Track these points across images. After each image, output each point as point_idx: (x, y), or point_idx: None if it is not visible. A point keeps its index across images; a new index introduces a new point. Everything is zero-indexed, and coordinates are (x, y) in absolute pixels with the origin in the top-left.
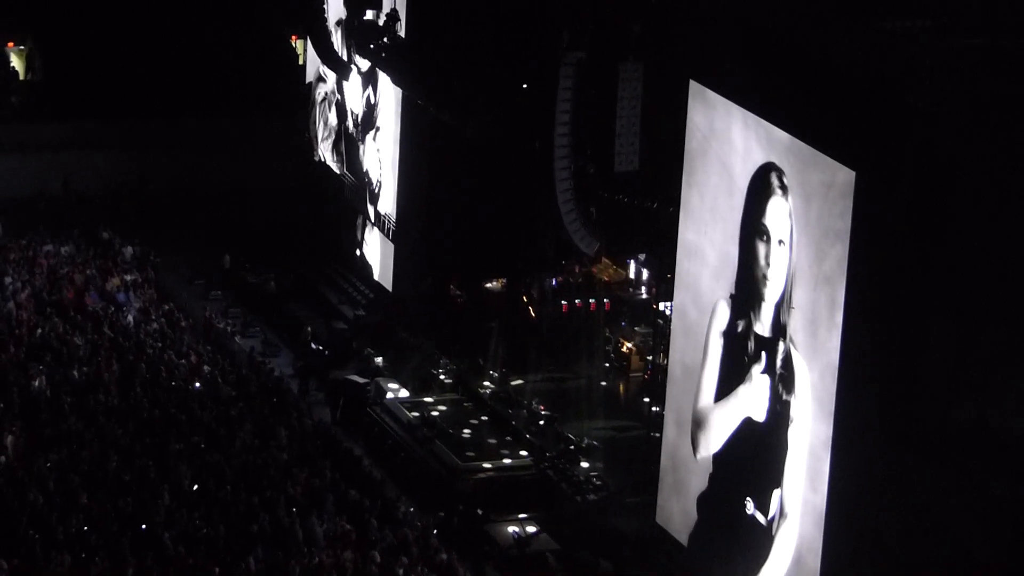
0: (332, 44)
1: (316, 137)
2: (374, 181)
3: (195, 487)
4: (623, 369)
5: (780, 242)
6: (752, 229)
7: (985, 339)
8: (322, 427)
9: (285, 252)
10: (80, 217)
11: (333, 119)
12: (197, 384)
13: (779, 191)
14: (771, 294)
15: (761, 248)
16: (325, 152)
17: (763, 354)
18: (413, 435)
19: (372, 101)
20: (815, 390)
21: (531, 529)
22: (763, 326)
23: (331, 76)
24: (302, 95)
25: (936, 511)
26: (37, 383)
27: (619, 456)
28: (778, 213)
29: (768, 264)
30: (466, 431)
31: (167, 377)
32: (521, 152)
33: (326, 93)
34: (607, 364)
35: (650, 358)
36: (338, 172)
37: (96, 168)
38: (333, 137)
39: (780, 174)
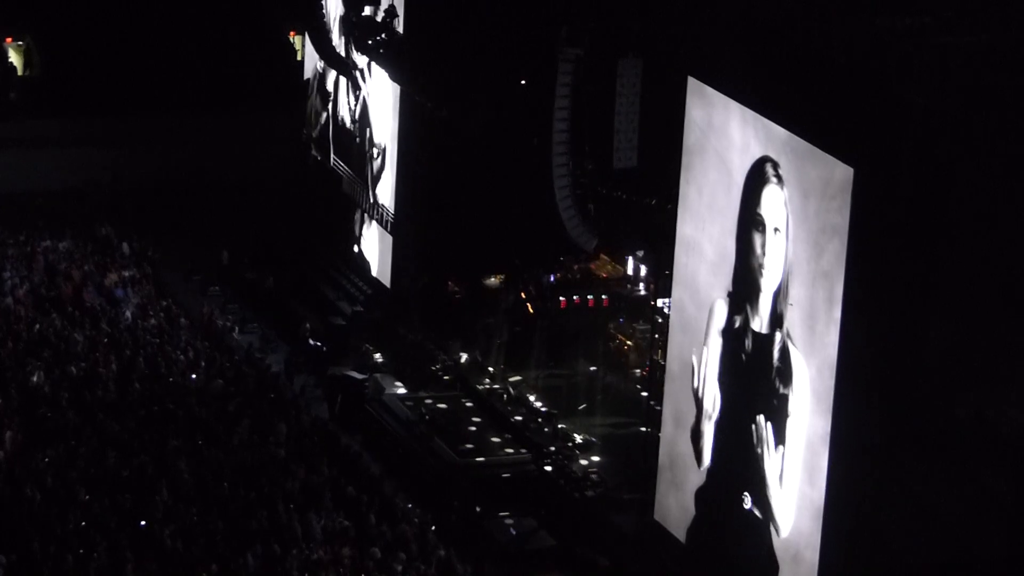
0: (330, 40)
1: (314, 134)
2: (372, 177)
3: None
4: (621, 365)
5: (776, 230)
6: (748, 219)
7: (983, 334)
8: (320, 423)
9: (283, 248)
10: (80, 213)
11: (331, 116)
12: (192, 376)
13: (774, 179)
14: (768, 285)
15: (757, 238)
16: (323, 149)
17: (760, 350)
18: (411, 431)
19: (370, 97)
20: (813, 385)
21: (529, 525)
22: (760, 321)
23: (329, 73)
24: (300, 91)
25: (934, 506)
26: (35, 379)
27: (617, 452)
28: (773, 201)
29: (764, 253)
30: (464, 427)
31: (165, 373)
32: (519, 148)
33: (324, 90)
34: (605, 360)
35: (649, 354)
36: (336, 169)
37: (94, 164)
38: (331, 134)
39: (775, 164)
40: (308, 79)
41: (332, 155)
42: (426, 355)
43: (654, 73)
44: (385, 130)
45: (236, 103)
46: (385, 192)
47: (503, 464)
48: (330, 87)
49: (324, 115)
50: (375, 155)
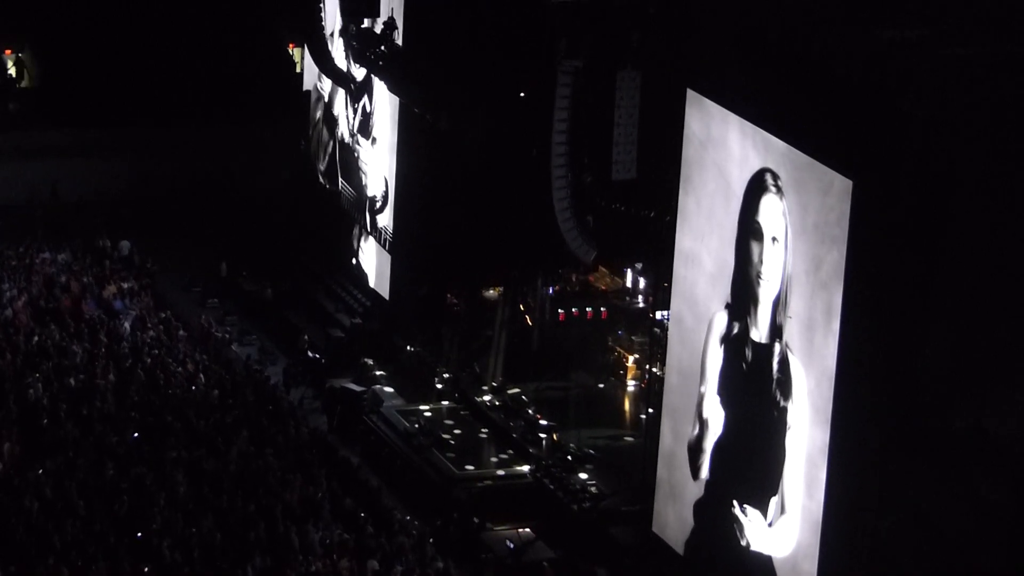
0: (329, 53)
1: (315, 151)
2: (371, 193)
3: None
4: (620, 378)
5: (774, 239)
6: (746, 229)
7: (982, 345)
8: (318, 435)
9: (282, 260)
10: (78, 225)
11: (331, 132)
12: (192, 388)
13: (773, 189)
14: (766, 295)
15: (755, 247)
16: (323, 165)
17: (760, 360)
18: (410, 443)
19: (368, 111)
20: (812, 396)
21: (527, 536)
22: (759, 332)
23: (327, 91)
24: (300, 103)
25: (933, 517)
26: (33, 391)
27: (615, 464)
28: (771, 210)
29: (761, 262)
30: (463, 439)
31: (164, 385)
32: (518, 160)
33: (324, 107)
34: (604, 373)
35: (647, 366)
36: (337, 184)
37: (93, 175)
38: (331, 150)
39: (775, 176)
40: (307, 91)
41: (340, 178)
42: (425, 367)
43: (653, 85)
44: (384, 144)
45: (235, 115)
46: (384, 215)
47: (501, 476)
48: (336, 112)
49: (331, 144)
50: (377, 199)
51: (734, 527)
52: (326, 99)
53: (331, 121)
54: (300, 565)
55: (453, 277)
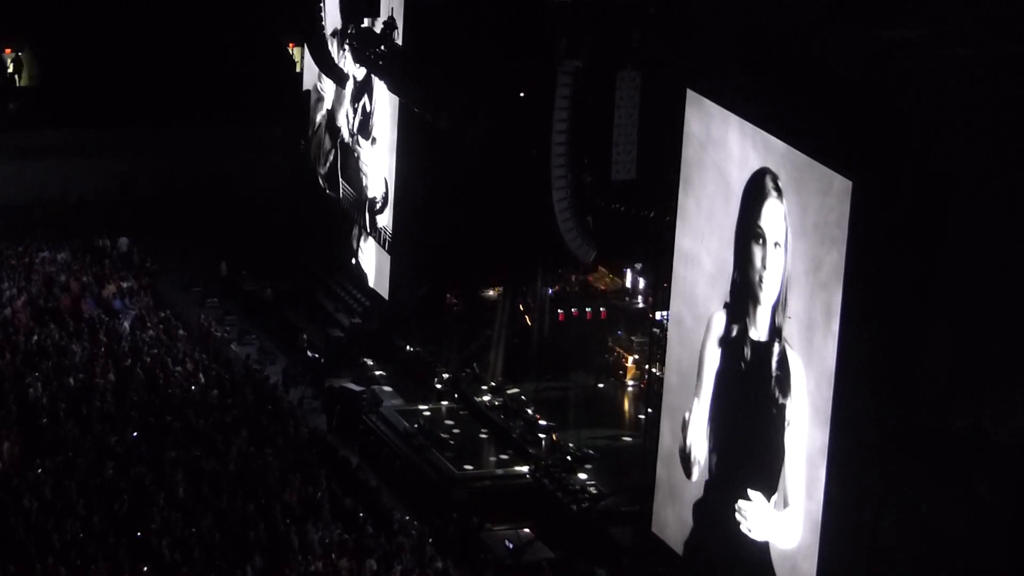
0: (329, 52)
1: (315, 156)
2: (371, 194)
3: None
4: (620, 378)
5: (776, 244)
6: (747, 232)
7: (982, 345)
8: (318, 435)
9: (282, 260)
10: (79, 224)
11: (332, 137)
12: (192, 387)
13: (774, 193)
14: (767, 297)
15: (757, 251)
16: (324, 170)
17: (759, 358)
18: (409, 443)
19: (368, 110)
20: (811, 397)
21: (526, 536)
22: (759, 332)
23: (328, 92)
24: (300, 103)
25: (932, 518)
26: (32, 391)
27: (615, 465)
28: (773, 215)
29: (764, 267)
30: (462, 439)
31: (163, 384)
32: (518, 160)
33: (324, 111)
34: (604, 373)
35: (647, 367)
36: (337, 190)
37: (93, 175)
38: (332, 157)
39: (775, 177)
40: (307, 90)
41: (340, 181)
42: (424, 367)
43: (653, 85)
44: (383, 144)
45: (235, 115)
46: (384, 215)
47: (500, 476)
48: (337, 116)
49: (333, 152)
50: (377, 199)
51: (734, 526)
52: (326, 101)
53: (332, 126)
54: (299, 565)
55: (453, 277)
